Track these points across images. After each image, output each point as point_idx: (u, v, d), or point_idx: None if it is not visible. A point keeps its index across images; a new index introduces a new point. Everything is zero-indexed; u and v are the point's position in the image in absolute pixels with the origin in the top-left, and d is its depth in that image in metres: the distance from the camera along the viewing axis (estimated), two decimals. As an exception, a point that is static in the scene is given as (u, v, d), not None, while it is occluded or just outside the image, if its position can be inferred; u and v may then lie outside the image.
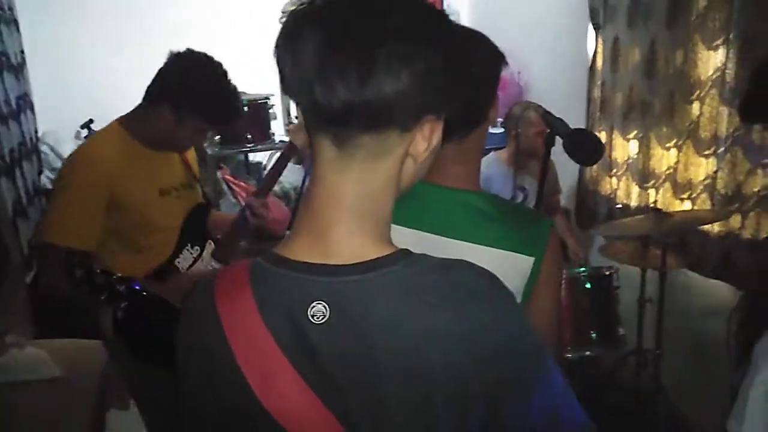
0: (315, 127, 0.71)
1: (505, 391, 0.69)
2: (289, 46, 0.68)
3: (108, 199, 1.74)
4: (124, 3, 4.09)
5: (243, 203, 3.71)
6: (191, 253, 1.97)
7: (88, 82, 3.97)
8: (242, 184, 3.94)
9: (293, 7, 0.71)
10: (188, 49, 1.78)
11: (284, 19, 0.70)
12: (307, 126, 0.73)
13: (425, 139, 0.73)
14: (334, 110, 0.66)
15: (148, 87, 1.79)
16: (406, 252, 0.73)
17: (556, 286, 1.19)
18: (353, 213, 0.72)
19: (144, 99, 1.81)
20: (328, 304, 0.70)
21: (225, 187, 3.94)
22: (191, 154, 2.07)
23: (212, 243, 2.07)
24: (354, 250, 0.71)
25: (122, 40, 4.06)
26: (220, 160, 4.12)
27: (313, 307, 0.70)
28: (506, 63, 1.13)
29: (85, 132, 3.88)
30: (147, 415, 1.98)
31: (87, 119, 3.87)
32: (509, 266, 1.07)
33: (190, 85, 1.75)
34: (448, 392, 0.67)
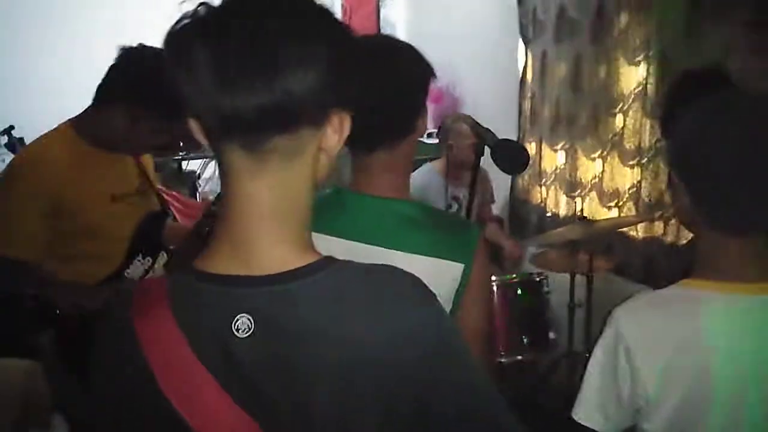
0: (222, 139, 0.69)
1: (430, 391, 0.70)
2: (180, 61, 0.67)
3: (53, 204, 1.64)
4: (47, 5, 3.93)
5: (175, 213, 3.61)
6: (142, 264, 1.87)
7: (8, 87, 3.79)
8: (174, 193, 3.84)
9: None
10: (139, 44, 1.65)
11: (166, 37, 0.69)
12: (210, 139, 0.71)
13: (336, 131, 0.73)
14: (244, 117, 0.65)
15: (99, 86, 1.68)
16: (329, 259, 0.72)
17: (486, 291, 1.22)
18: (272, 220, 0.71)
19: (95, 99, 1.70)
20: (252, 317, 0.68)
21: (157, 196, 3.82)
22: (147, 160, 1.95)
23: (165, 254, 1.96)
24: (276, 259, 0.70)
25: (44, 43, 3.89)
26: (152, 169, 4.00)
27: (237, 320, 0.68)
28: (435, 75, 1.14)
29: (5, 139, 3.69)
30: None
31: (7, 125, 3.69)
32: (439, 273, 1.08)
33: (145, 81, 1.57)
34: (374, 396, 0.68)
